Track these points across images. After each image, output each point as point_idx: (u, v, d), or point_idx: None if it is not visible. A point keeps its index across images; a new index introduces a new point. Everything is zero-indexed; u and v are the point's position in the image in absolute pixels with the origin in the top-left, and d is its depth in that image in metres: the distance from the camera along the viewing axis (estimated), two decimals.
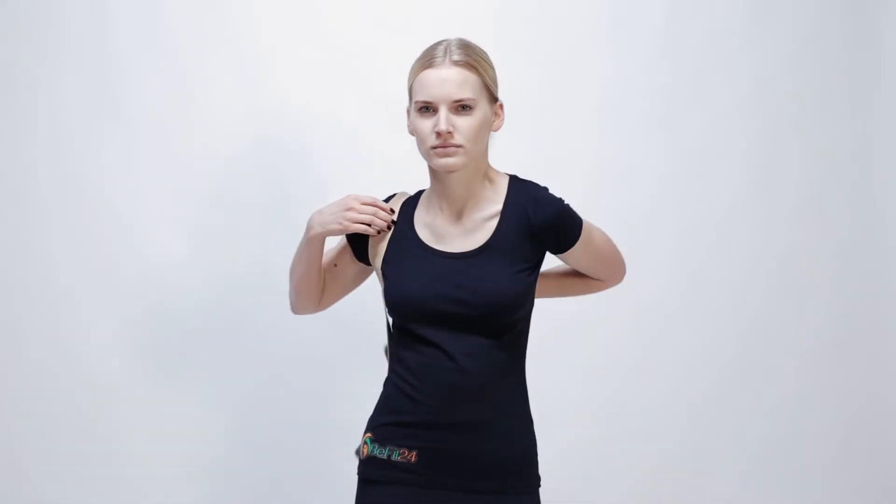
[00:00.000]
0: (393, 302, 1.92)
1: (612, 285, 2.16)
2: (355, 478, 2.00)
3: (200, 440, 2.91)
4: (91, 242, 2.91)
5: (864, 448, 3.17)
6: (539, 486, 1.96)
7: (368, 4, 2.96)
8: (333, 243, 2.07)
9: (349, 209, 1.93)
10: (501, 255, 1.89)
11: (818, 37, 3.12)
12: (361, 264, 2.03)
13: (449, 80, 1.86)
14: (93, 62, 2.91)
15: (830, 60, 3.13)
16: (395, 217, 1.95)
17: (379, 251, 1.97)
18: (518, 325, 1.93)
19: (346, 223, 1.93)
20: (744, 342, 3.10)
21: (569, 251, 1.96)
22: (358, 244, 2.01)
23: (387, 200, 2.03)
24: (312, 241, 1.98)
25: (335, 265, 2.06)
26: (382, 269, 1.96)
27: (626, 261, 2.11)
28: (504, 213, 1.92)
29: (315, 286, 2.04)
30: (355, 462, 1.99)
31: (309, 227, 1.98)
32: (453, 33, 1.97)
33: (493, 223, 1.92)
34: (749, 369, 3.10)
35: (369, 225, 1.93)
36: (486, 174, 1.95)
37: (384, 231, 1.94)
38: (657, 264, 3.02)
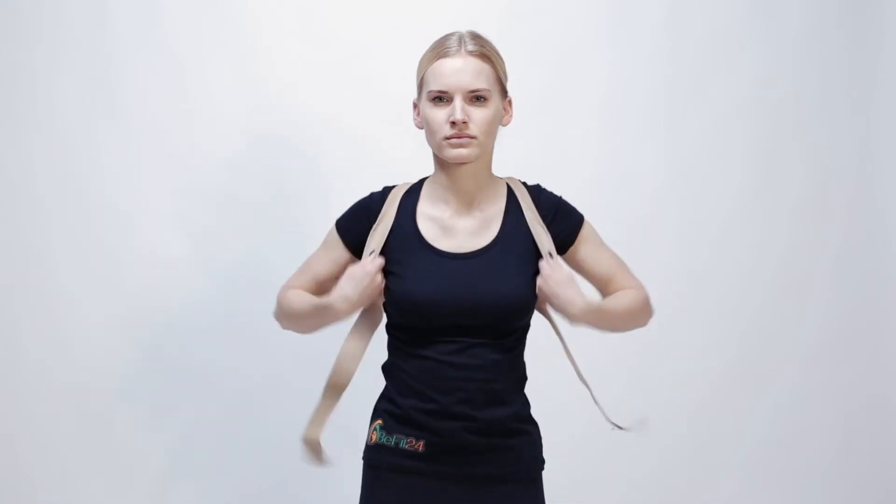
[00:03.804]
0: (400, 304, 1.90)
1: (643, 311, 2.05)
2: (355, 477, 2.01)
3: (200, 440, 2.91)
4: (91, 242, 2.91)
5: (864, 448, 3.17)
6: (543, 468, 1.98)
7: (369, 3, 2.96)
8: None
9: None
10: (511, 252, 1.89)
11: (818, 37, 3.12)
12: (354, 258, 1.97)
13: (465, 70, 1.84)
14: (92, 61, 2.90)
15: (830, 60, 3.13)
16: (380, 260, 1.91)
17: (374, 240, 1.92)
18: (526, 325, 1.94)
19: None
20: (744, 342, 3.10)
21: (580, 239, 1.95)
22: (354, 242, 1.96)
23: (386, 192, 1.97)
24: (336, 316, 1.96)
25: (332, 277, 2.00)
26: (386, 264, 1.91)
27: (627, 260, 2.09)
28: (508, 207, 1.93)
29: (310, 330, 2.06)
30: (356, 459, 2.00)
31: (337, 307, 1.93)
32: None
33: (500, 218, 1.92)
34: (749, 369, 3.10)
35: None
36: (491, 169, 1.95)
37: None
38: (657, 264, 3.00)
